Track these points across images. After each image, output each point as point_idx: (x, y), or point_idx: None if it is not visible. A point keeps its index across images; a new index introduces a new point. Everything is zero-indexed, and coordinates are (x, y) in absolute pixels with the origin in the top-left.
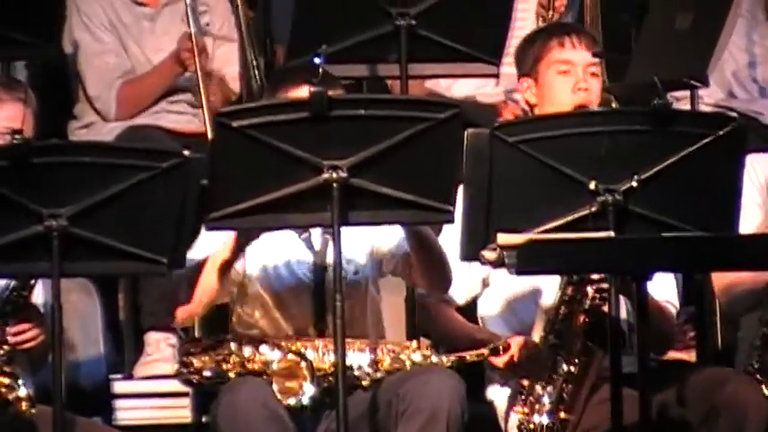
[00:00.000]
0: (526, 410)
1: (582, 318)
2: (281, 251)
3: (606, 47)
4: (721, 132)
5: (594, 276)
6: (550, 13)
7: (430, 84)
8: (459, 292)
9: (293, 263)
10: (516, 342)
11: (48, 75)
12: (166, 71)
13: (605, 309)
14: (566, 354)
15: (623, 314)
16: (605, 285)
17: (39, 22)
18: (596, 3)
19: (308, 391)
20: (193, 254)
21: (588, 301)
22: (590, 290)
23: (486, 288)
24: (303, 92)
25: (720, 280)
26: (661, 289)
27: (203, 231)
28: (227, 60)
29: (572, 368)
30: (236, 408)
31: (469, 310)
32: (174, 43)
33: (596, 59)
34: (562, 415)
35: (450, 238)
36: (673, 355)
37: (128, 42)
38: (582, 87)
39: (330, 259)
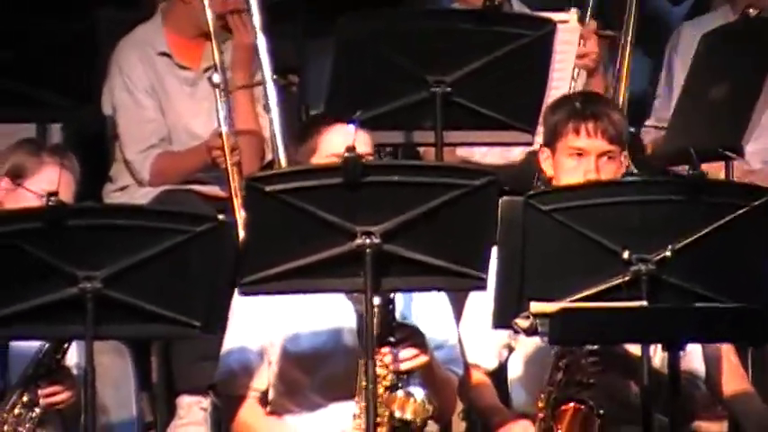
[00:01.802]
0: None
1: (564, 405)
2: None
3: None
4: (756, 203)
5: (582, 361)
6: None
7: (461, 152)
8: (490, 357)
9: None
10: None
11: (83, 137)
12: (198, 158)
13: (591, 394)
14: None
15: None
16: (594, 368)
17: (74, 85)
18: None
19: None
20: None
21: (575, 387)
22: (577, 376)
23: (513, 352)
24: (337, 131)
25: (729, 386)
26: (684, 359)
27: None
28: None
29: None
30: None
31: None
32: (212, 110)
33: (612, 147)
34: None
35: (475, 305)
36: (705, 426)
37: (167, 107)
38: (590, 179)
39: None
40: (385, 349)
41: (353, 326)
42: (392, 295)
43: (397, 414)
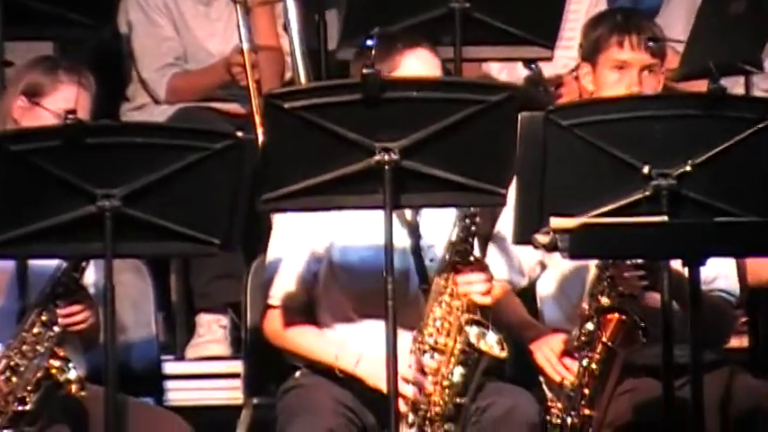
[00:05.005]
0: (559, 405)
1: (609, 315)
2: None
3: None
4: None
5: (626, 274)
6: None
7: (485, 67)
8: (520, 274)
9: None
10: (556, 344)
11: (101, 56)
12: (215, 76)
13: (634, 306)
14: (588, 351)
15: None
16: (639, 282)
17: (95, 3)
18: None
19: None
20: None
21: (618, 298)
22: (620, 288)
23: (545, 269)
24: (419, 55)
25: (757, 275)
26: (719, 278)
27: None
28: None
29: (593, 365)
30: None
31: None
32: (226, 30)
33: (654, 60)
34: (586, 411)
35: (507, 222)
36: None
37: (181, 26)
38: (633, 91)
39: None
40: (463, 278)
41: (405, 245)
42: (472, 227)
43: (473, 340)
